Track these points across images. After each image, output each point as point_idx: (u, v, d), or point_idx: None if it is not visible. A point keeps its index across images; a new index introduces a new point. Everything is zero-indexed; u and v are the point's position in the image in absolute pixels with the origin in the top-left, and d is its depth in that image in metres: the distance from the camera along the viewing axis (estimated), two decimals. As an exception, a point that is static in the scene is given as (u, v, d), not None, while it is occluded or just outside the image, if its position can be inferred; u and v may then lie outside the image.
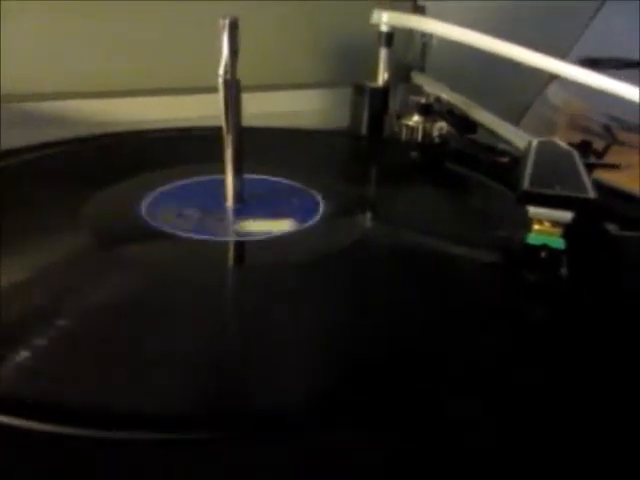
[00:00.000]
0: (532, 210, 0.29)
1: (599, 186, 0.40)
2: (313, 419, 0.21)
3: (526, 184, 0.29)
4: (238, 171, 0.35)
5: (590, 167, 0.39)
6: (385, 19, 0.48)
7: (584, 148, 0.41)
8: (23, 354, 0.23)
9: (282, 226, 0.33)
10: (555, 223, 0.29)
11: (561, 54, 0.55)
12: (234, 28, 0.32)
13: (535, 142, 0.34)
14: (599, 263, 0.32)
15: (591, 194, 0.28)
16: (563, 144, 0.34)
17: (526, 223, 0.30)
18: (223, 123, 0.33)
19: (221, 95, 0.33)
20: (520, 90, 0.57)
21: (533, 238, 0.29)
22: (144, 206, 0.34)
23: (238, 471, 0.19)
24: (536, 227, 0.29)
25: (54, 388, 0.22)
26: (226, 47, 0.32)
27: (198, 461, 0.19)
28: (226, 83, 0.32)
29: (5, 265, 0.28)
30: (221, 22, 0.32)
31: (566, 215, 0.28)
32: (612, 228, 0.37)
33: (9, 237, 0.31)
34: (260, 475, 0.19)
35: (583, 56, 0.58)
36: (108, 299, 0.27)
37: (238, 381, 0.23)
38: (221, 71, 0.32)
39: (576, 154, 0.32)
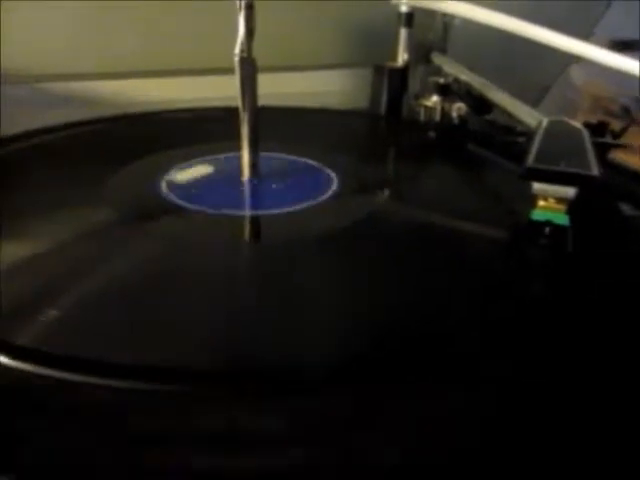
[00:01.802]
0: (536, 186, 0.29)
1: (614, 167, 0.41)
2: (327, 377, 0.22)
3: (530, 161, 0.29)
4: (254, 147, 0.36)
5: (605, 147, 0.40)
6: (405, -1, 0.49)
7: (601, 128, 0.41)
8: (52, 313, 0.25)
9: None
10: (560, 199, 0.29)
11: (584, 33, 0.55)
12: (250, 8, 0.33)
13: (546, 121, 0.34)
14: (610, 242, 0.32)
15: (595, 171, 0.29)
16: (573, 123, 0.34)
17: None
18: (239, 101, 0.34)
19: (237, 73, 0.34)
20: (542, 70, 0.57)
21: (537, 214, 0.30)
22: (164, 183, 0.36)
23: (250, 427, 0.21)
24: (541, 203, 0.30)
25: (81, 342, 0.24)
26: (242, 27, 0.33)
27: (212, 414, 0.21)
28: (242, 61, 0.34)
29: (29, 238, 0.30)
30: (237, 2, 0.33)
31: (569, 191, 0.29)
32: (625, 208, 0.37)
33: (35, 211, 0.33)
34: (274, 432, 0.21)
35: (616, 37, 0.57)
36: (129, 270, 0.29)
37: (256, 341, 0.24)
38: (237, 50, 0.33)
39: (585, 133, 0.33)
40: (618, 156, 0.42)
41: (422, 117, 0.50)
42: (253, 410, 0.21)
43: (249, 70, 0.34)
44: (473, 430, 0.21)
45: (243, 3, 0.33)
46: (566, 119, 0.35)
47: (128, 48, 0.50)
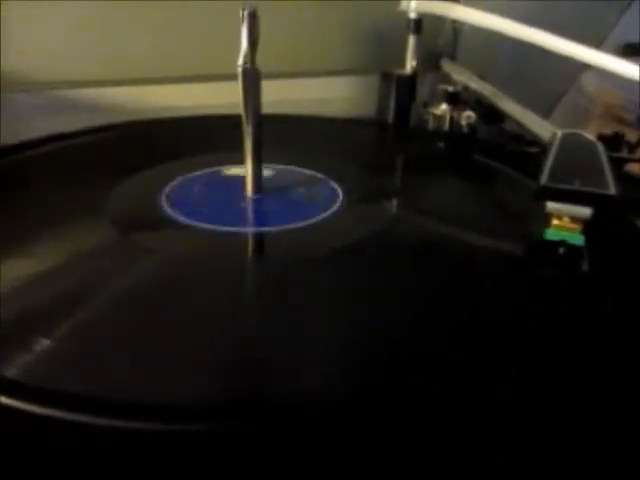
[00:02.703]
0: (550, 205, 0.28)
1: (628, 178, 0.39)
2: (333, 411, 0.21)
3: (544, 179, 0.28)
4: (257, 162, 0.35)
5: (620, 161, 0.38)
6: (413, 6, 0.47)
7: (616, 140, 0.40)
8: (44, 342, 0.24)
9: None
10: (574, 219, 0.28)
11: (598, 39, 0.53)
12: (253, 18, 0.32)
13: (559, 134, 0.33)
14: (623, 258, 0.31)
15: (612, 190, 0.28)
16: (588, 136, 0.33)
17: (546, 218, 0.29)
18: (242, 113, 0.33)
19: (240, 85, 0.33)
20: (554, 77, 0.56)
21: (551, 234, 0.29)
22: (164, 195, 0.35)
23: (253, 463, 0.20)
24: (555, 222, 0.29)
25: (69, 375, 0.23)
26: (245, 37, 0.32)
27: (213, 452, 0.20)
28: (245, 73, 0.32)
29: (25, 253, 0.29)
30: (240, 12, 0.32)
31: (585, 211, 0.28)
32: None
33: (31, 225, 0.32)
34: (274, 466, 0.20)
35: (624, 42, 0.56)
36: (126, 287, 0.28)
37: (255, 372, 0.23)
38: (240, 61, 0.32)
39: (601, 147, 0.31)
40: (634, 168, 0.41)
41: (431, 125, 0.49)
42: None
43: (252, 82, 0.33)
44: (491, 453, 0.20)
45: (246, 12, 0.32)
46: (580, 132, 0.34)
47: (136, 54, 0.49)
